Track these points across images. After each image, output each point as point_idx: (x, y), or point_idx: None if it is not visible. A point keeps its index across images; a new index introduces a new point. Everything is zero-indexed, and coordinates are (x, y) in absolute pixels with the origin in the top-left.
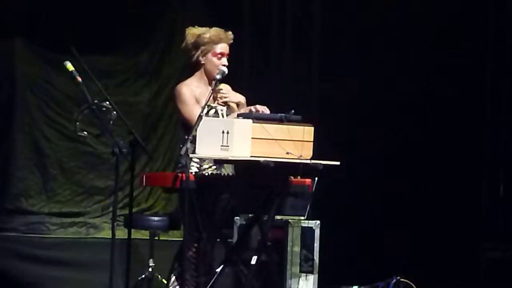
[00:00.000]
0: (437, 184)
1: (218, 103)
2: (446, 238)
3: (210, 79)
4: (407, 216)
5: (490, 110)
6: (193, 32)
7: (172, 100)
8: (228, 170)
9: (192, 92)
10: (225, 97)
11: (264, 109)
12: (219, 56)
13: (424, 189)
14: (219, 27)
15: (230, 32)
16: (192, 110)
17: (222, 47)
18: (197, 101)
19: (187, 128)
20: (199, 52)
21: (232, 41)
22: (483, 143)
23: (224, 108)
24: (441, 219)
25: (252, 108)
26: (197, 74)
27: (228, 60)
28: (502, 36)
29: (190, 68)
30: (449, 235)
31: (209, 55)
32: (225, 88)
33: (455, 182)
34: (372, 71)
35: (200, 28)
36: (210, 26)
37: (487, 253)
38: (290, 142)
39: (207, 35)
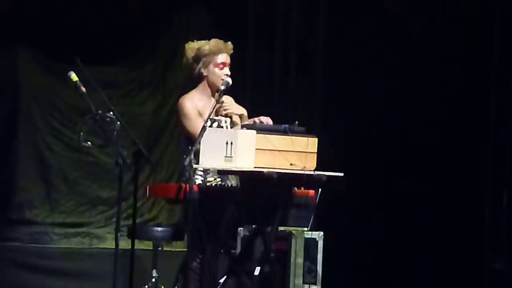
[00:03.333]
0: (441, 194)
1: (220, 115)
2: (449, 249)
3: (214, 91)
4: (411, 226)
5: (494, 120)
6: (192, 47)
7: (175, 114)
8: (233, 181)
9: (195, 105)
10: (227, 109)
11: (267, 120)
12: (221, 66)
13: (428, 199)
14: (222, 39)
15: (229, 43)
16: (195, 124)
17: (223, 57)
18: (200, 114)
19: (191, 142)
20: (200, 64)
21: (232, 52)
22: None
23: (228, 120)
24: (445, 229)
25: (256, 119)
26: (200, 86)
27: (230, 70)
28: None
29: (194, 80)
30: (452, 246)
31: (211, 66)
32: (227, 100)
33: (459, 193)
34: (375, 83)
35: (199, 41)
36: (211, 39)
37: (490, 264)
38: (294, 153)
39: (207, 47)
